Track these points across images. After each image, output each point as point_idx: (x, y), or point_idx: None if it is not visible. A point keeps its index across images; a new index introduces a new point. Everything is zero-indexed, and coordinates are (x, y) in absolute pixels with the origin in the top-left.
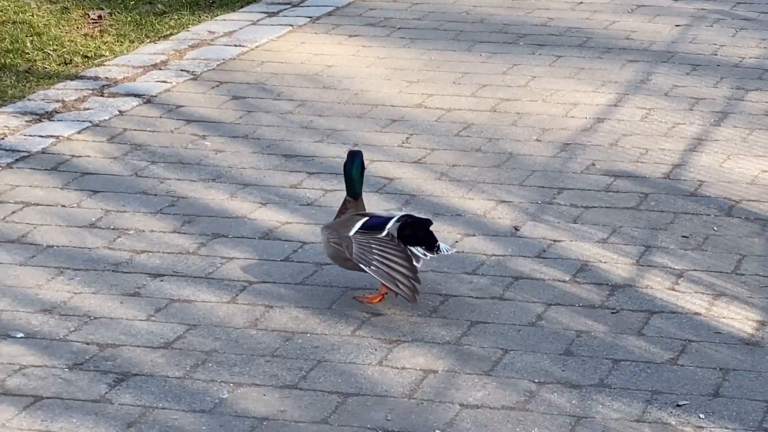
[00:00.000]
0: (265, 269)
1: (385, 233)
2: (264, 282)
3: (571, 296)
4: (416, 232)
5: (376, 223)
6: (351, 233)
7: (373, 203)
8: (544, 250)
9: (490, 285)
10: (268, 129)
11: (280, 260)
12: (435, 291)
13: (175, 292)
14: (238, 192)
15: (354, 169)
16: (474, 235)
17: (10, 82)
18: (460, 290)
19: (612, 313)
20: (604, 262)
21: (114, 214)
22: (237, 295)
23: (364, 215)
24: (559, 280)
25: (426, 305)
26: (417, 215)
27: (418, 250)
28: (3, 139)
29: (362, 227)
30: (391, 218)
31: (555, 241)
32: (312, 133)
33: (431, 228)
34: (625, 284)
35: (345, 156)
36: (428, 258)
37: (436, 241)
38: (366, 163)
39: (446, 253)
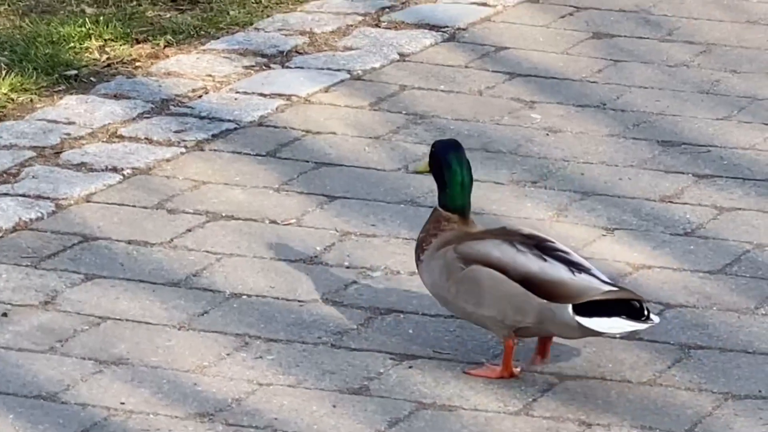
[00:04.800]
0: None
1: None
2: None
3: None
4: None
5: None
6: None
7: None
8: None
9: None
10: (641, 93)
11: None
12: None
13: None
14: (573, 205)
15: (458, 163)
16: None
17: None
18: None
19: None
20: None
21: None
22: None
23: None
24: None
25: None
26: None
27: (615, 322)
28: (200, 97)
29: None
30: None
31: None
32: (715, 103)
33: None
34: None
35: None
36: (627, 333)
37: (645, 309)
38: None
39: (656, 322)
